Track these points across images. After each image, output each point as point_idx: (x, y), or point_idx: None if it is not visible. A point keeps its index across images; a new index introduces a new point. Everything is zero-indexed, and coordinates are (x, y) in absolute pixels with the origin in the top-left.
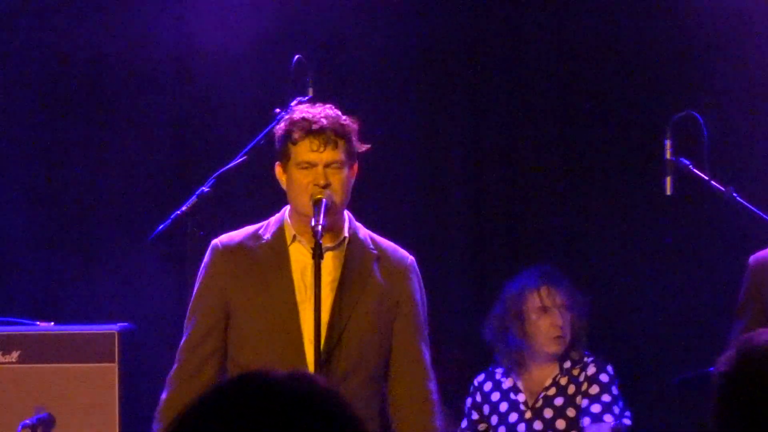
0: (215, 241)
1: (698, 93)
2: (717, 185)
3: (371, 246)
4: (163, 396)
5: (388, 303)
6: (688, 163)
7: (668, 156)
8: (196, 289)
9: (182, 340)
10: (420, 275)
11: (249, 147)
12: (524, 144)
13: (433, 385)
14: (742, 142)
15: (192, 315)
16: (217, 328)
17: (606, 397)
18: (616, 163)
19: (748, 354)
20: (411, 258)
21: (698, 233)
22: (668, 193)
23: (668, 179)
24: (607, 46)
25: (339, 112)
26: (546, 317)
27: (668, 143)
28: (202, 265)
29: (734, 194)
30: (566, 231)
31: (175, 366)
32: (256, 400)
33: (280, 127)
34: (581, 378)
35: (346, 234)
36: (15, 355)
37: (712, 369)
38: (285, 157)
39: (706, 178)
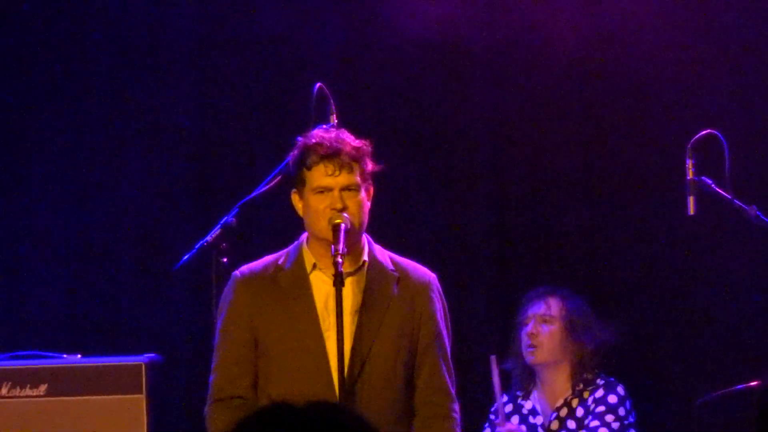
0: (236, 272)
1: (720, 111)
2: (740, 204)
3: (391, 267)
4: None
5: (411, 324)
6: (710, 182)
7: (690, 176)
8: (220, 322)
9: (212, 377)
10: (442, 292)
11: (272, 176)
12: (547, 166)
13: (454, 405)
14: (765, 159)
15: (220, 348)
16: (247, 359)
17: (609, 417)
18: (638, 183)
19: None
20: (432, 275)
21: (722, 252)
22: (691, 212)
23: (691, 199)
24: (628, 66)
25: (352, 136)
26: (525, 327)
27: (690, 163)
28: (223, 297)
29: (758, 213)
30: (589, 252)
31: (210, 403)
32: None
33: (293, 154)
34: (590, 401)
35: (366, 258)
36: (42, 388)
37: (738, 387)
38: (300, 184)
39: (729, 197)
